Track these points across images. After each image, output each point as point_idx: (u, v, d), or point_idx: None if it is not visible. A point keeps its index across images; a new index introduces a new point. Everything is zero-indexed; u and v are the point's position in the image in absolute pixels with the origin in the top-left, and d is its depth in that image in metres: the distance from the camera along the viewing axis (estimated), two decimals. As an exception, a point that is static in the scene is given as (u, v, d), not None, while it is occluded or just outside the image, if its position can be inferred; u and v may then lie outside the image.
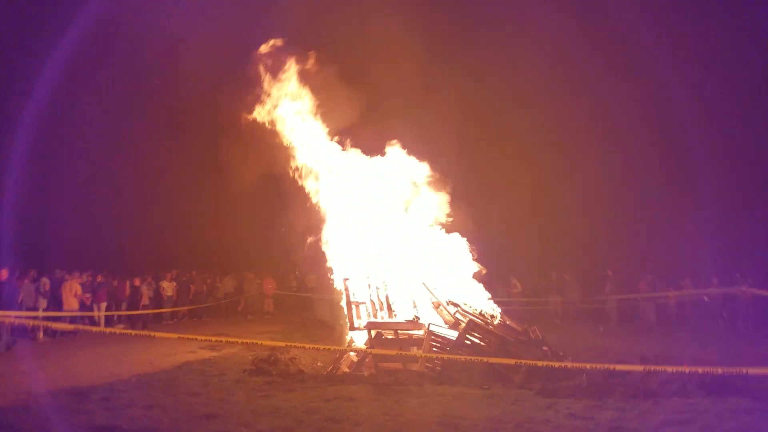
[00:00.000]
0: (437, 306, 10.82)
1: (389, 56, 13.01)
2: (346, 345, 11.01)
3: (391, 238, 11.58)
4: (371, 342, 10.13)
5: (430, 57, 12.30)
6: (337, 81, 11.69)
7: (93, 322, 15.05)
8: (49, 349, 13.02)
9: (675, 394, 7.61)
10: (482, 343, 9.76)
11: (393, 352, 9.90)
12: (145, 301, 17.76)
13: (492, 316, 10.71)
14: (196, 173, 22.26)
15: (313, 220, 11.84)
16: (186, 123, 21.19)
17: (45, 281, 14.94)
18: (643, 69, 22.85)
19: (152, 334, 10.03)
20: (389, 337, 10.20)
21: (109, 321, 16.90)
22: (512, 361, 8.27)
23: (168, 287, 20.03)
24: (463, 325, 9.94)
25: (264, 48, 12.00)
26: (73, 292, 15.25)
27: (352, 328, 10.70)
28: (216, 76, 12.87)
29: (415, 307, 10.74)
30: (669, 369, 7.41)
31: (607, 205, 22.81)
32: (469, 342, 9.85)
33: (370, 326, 10.40)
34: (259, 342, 11.38)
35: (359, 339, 10.91)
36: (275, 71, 11.94)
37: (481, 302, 11.23)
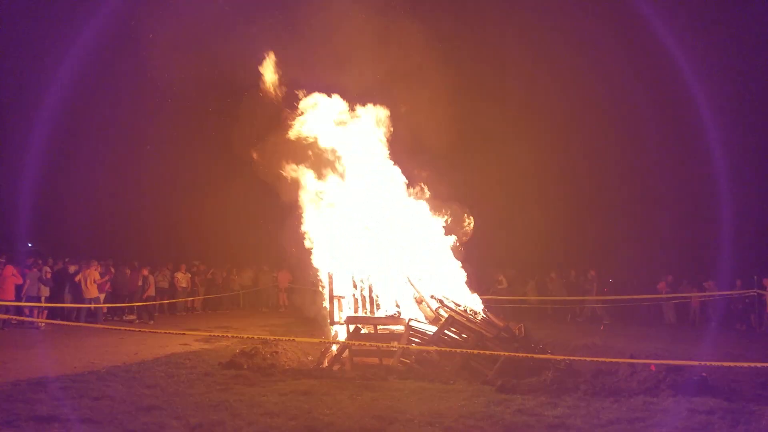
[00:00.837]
0: (420, 301, 10.57)
1: (386, 56, 12.72)
2: (331, 339, 10.86)
3: (377, 234, 11.34)
4: (350, 336, 9.96)
5: (418, 50, 11.99)
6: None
7: (90, 313, 15.30)
8: (45, 338, 13.23)
9: (642, 393, 7.14)
10: (459, 339, 9.47)
11: (369, 346, 9.72)
12: (150, 291, 17.96)
13: (475, 312, 10.37)
14: (216, 169, 22.64)
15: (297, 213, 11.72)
16: (205, 118, 21.37)
17: (46, 269, 15.28)
18: (659, 65, 21.98)
19: (133, 329, 10.09)
20: (366, 331, 9.99)
21: (118, 310, 17.24)
22: (476, 352, 7.93)
23: (182, 278, 20.29)
24: (443, 320, 9.68)
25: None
26: (92, 279, 15.62)
27: (332, 322, 10.54)
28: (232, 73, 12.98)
29: (397, 306, 10.50)
30: (620, 361, 6.96)
31: (628, 205, 22.27)
32: (446, 338, 9.57)
33: (349, 321, 10.24)
34: (245, 336, 11.29)
35: (342, 334, 10.75)
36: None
37: (468, 298, 10.91)
